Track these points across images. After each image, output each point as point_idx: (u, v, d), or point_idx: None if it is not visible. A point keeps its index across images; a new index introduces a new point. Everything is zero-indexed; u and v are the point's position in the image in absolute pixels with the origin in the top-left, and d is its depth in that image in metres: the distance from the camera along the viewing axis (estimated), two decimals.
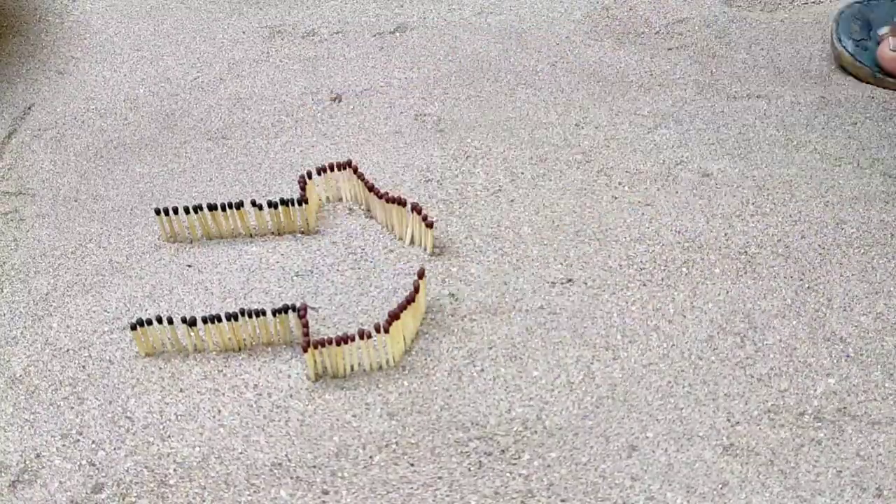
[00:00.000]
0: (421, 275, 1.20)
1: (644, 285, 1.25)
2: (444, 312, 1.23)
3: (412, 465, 1.05)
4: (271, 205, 1.35)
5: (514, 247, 1.32)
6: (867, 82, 1.62)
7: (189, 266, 1.33)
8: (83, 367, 1.19)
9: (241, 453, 1.07)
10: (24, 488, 1.05)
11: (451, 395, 1.12)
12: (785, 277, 1.26)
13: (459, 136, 1.53)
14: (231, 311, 1.19)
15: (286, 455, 1.07)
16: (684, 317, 1.21)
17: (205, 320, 1.17)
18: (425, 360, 1.17)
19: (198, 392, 1.15)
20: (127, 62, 1.82)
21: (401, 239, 1.34)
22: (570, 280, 1.27)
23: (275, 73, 1.75)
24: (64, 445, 1.10)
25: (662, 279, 1.26)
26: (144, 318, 1.17)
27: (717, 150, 1.49)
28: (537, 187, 1.42)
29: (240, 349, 1.20)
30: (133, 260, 1.35)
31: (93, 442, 1.10)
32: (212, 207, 1.34)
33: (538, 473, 1.04)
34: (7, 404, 1.15)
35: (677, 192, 1.40)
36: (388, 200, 1.32)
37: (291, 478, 1.05)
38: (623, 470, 1.04)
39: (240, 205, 1.35)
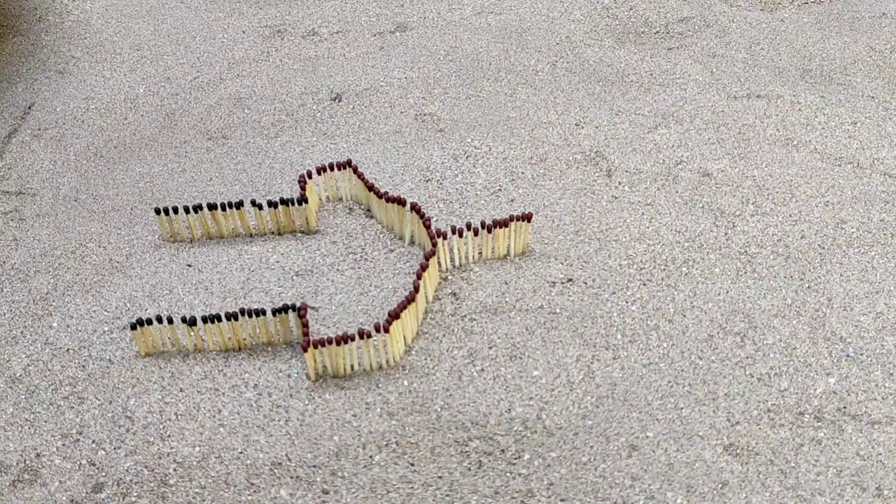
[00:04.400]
0: (419, 275, 1.20)
1: (644, 285, 1.25)
2: (445, 312, 1.23)
3: (412, 464, 1.05)
4: (271, 204, 1.35)
5: None
6: None
7: (189, 266, 1.33)
8: (83, 366, 1.19)
9: (241, 453, 1.07)
10: (24, 488, 1.05)
11: (451, 395, 1.12)
12: (785, 277, 1.26)
13: (459, 136, 1.53)
14: (231, 310, 1.19)
15: (286, 455, 1.07)
16: (684, 316, 1.21)
17: (205, 320, 1.17)
18: (425, 360, 1.17)
19: (198, 392, 1.15)
20: (127, 62, 1.82)
21: (401, 238, 1.34)
22: (570, 280, 1.27)
23: (275, 72, 1.75)
24: (64, 445, 1.10)
25: (662, 279, 1.26)
26: (144, 318, 1.17)
27: (717, 150, 1.49)
28: (537, 187, 1.42)
29: (240, 349, 1.20)
30: (133, 260, 1.35)
31: (93, 441, 1.10)
32: (212, 207, 1.34)
33: (538, 473, 1.04)
34: (7, 404, 1.15)
35: (677, 192, 1.40)
36: (388, 200, 1.32)
37: (291, 477, 1.05)
38: (623, 470, 1.04)
39: (240, 205, 1.35)
